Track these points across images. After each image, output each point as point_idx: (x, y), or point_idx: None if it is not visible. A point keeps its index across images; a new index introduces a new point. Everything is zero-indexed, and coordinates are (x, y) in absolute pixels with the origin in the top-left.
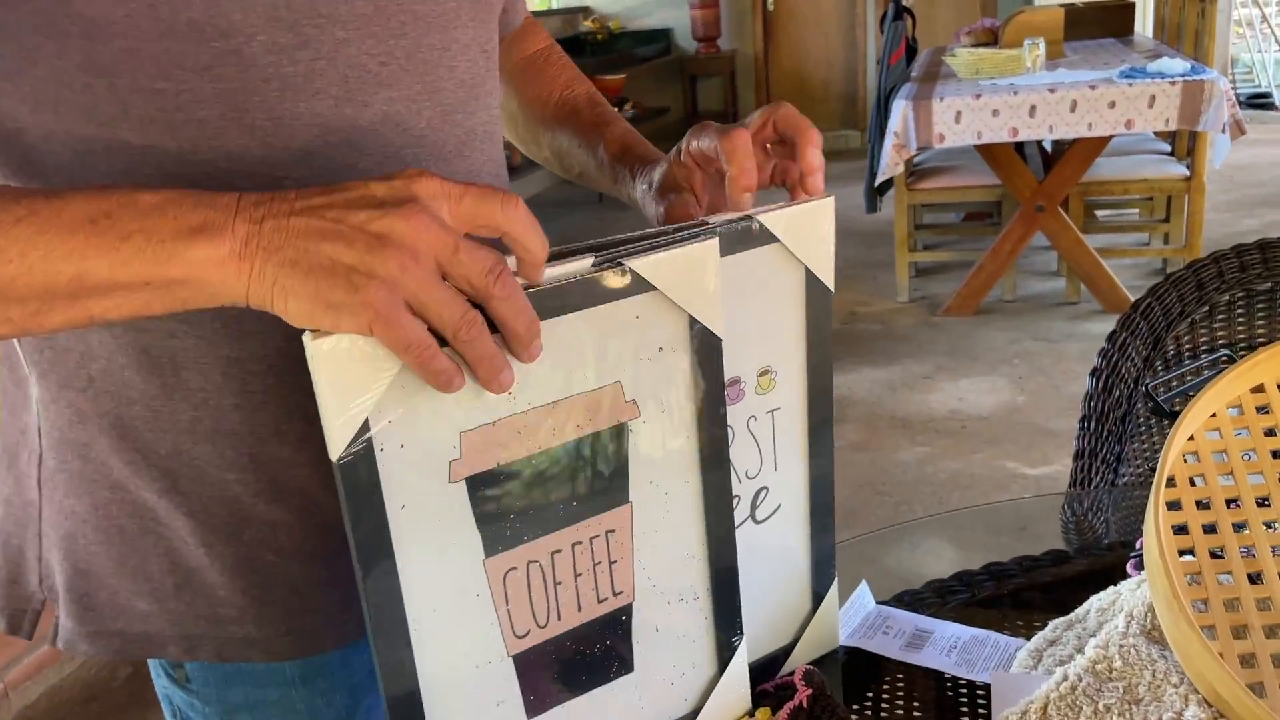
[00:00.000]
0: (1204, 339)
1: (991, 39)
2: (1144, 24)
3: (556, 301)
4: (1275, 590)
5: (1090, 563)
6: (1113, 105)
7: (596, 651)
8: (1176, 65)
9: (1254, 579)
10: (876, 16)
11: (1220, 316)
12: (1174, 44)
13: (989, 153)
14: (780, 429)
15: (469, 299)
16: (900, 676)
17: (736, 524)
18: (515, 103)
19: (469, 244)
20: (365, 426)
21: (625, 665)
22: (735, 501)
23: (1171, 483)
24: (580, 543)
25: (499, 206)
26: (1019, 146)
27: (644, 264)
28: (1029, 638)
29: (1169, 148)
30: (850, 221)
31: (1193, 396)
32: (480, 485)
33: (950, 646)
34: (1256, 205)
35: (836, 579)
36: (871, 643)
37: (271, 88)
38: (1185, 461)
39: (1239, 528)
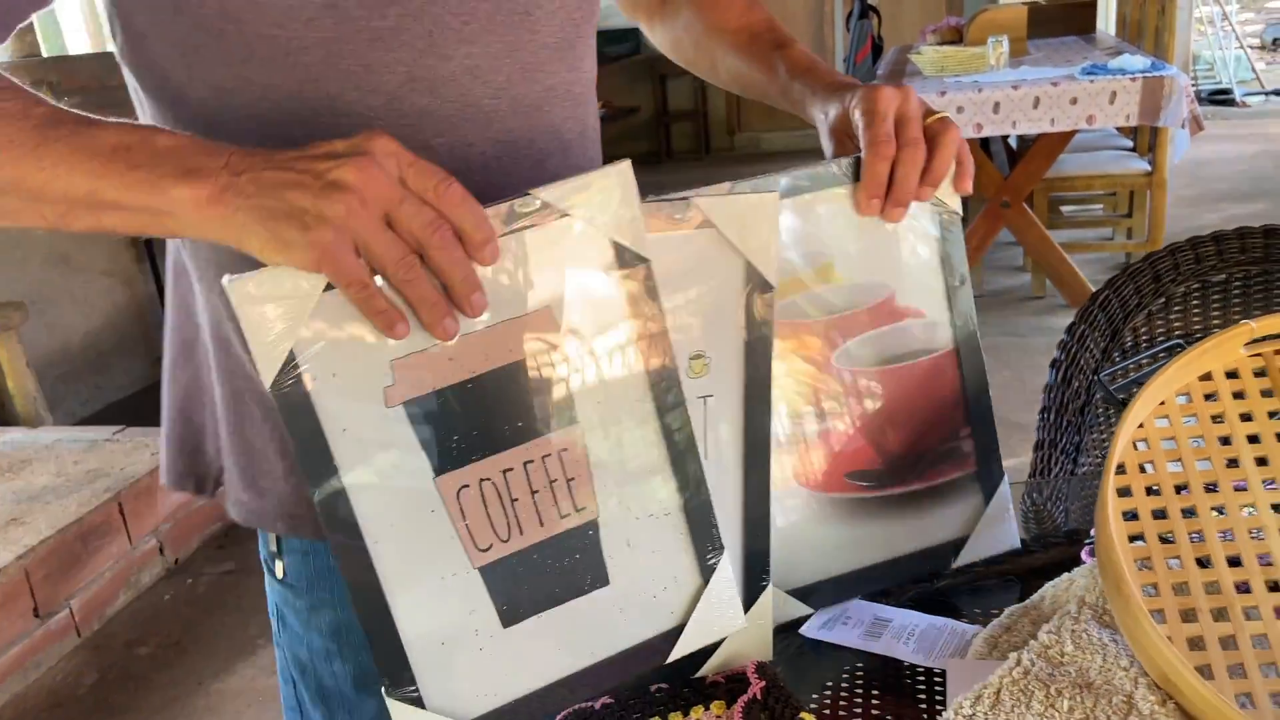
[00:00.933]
0: (1161, 330)
1: (957, 37)
2: (1106, 22)
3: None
4: (1223, 574)
5: (1048, 552)
6: (1074, 101)
7: (566, 564)
8: (1137, 62)
9: (1203, 563)
10: (844, 15)
11: (1176, 308)
12: (1135, 41)
13: None
14: (712, 416)
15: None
16: (860, 666)
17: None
18: (696, 31)
19: (414, 199)
20: (291, 357)
21: (600, 579)
22: None
23: (1122, 470)
24: (532, 461)
25: (434, 185)
26: (985, 143)
27: (551, 192)
28: (986, 625)
29: (1131, 144)
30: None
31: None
32: (419, 409)
33: (908, 634)
34: (1218, 199)
35: (770, 586)
36: (831, 634)
37: (363, 38)
38: (1135, 449)
39: (1188, 513)
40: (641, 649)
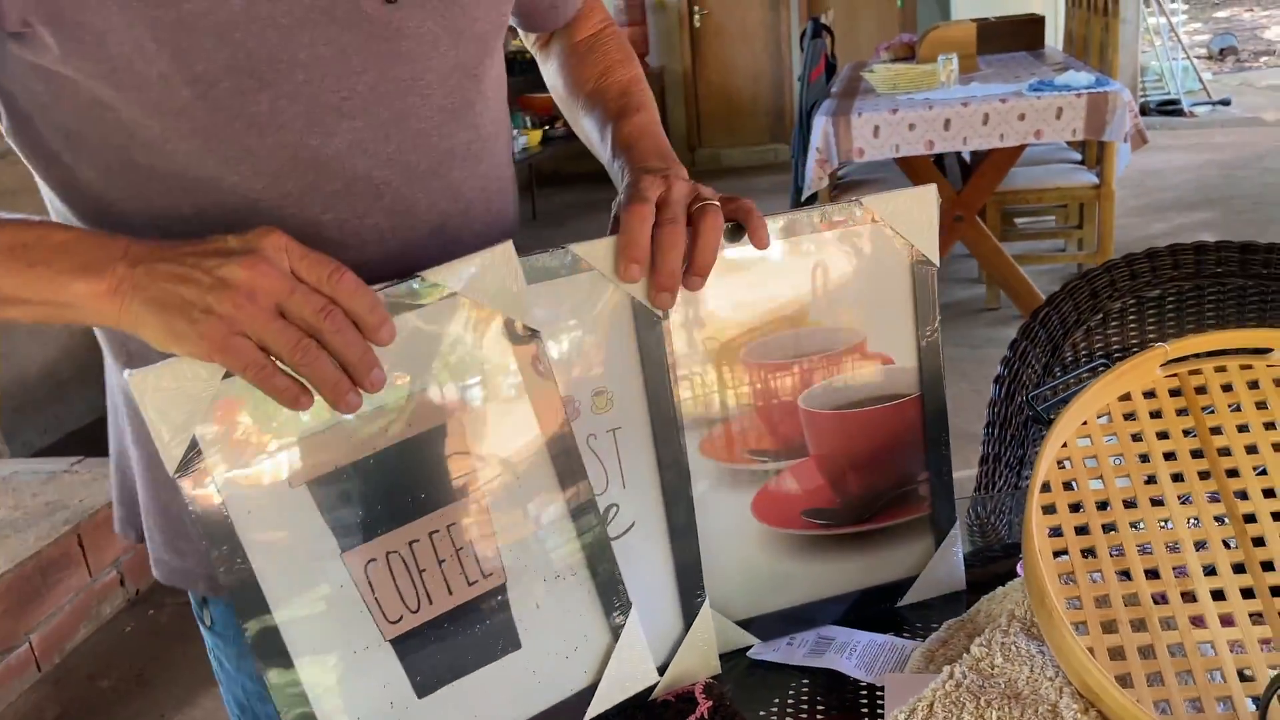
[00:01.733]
0: (1100, 345)
1: (910, 54)
2: (1055, 37)
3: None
4: (1142, 587)
5: (986, 567)
6: (1022, 117)
7: (477, 631)
8: (1081, 78)
9: (1123, 576)
10: (799, 32)
11: (1114, 323)
12: (1081, 56)
13: (908, 165)
14: (624, 447)
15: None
16: (805, 682)
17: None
18: (560, 85)
19: (304, 289)
20: (194, 444)
21: (511, 643)
22: None
23: (1047, 488)
24: (438, 531)
25: (326, 275)
26: (939, 159)
27: (440, 274)
28: (916, 632)
29: (1080, 157)
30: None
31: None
32: (322, 487)
33: (850, 650)
34: (1165, 209)
35: (707, 601)
36: (776, 654)
37: (238, 124)
38: (1059, 467)
39: (1109, 529)
40: (557, 710)
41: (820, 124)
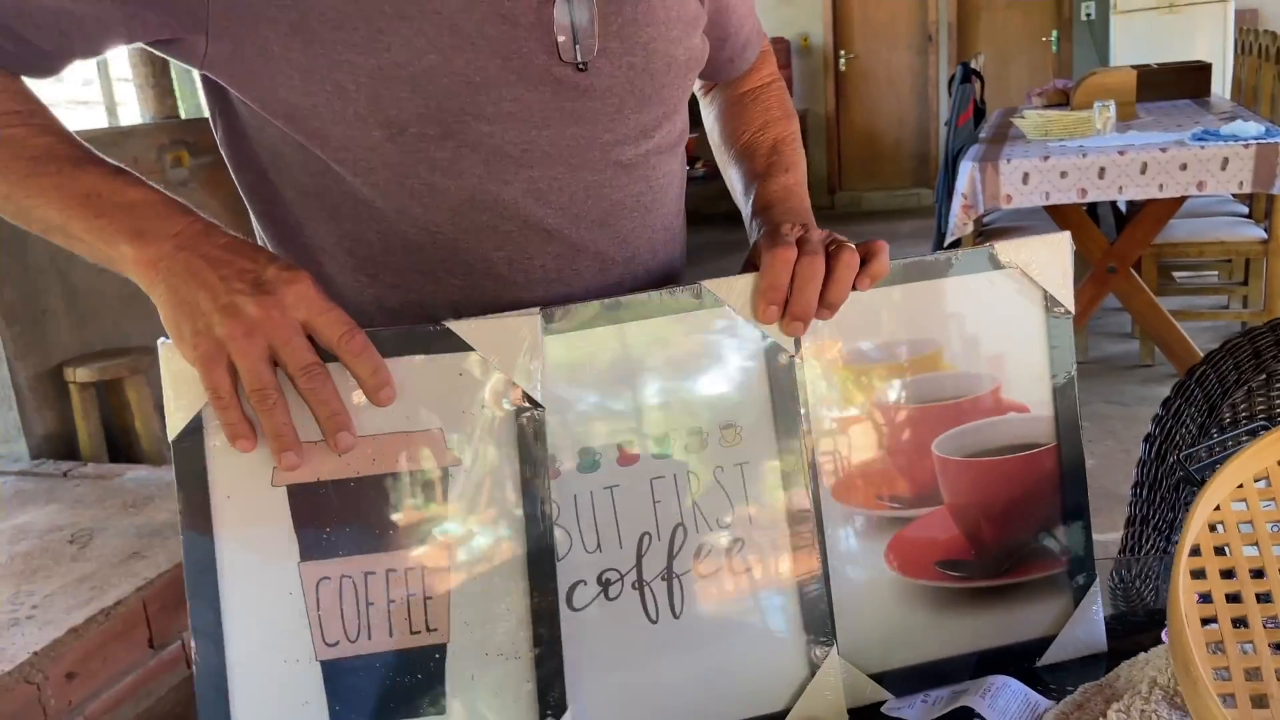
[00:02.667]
0: (1261, 407)
1: (1064, 100)
2: (1222, 85)
3: (389, 344)
4: None
5: (1130, 636)
6: (1184, 167)
7: (406, 682)
8: (1250, 128)
9: (1277, 649)
10: (947, 78)
11: (1278, 385)
12: (1251, 105)
13: (1058, 213)
14: (751, 482)
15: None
16: None
17: (712, 571)
18: (717, 133)
19: (298, 343)
20: (197, 420)
21: (437, 705)
22: (708, 549)
23: (1196, 552)
24: (395, 570)
25: (337, 336)
26: (1092, 207)
27: (465, 325)
28: (1060, 694)
29: (1247, 210)
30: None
31: None
32: (301, 495)
33: (988, 692)
34: None
35: (835, 648)
36: (910, 711)
37: (423, 165)
38: (1211, 531)
39: (1263, 598)
40: None
41: (966, 169)
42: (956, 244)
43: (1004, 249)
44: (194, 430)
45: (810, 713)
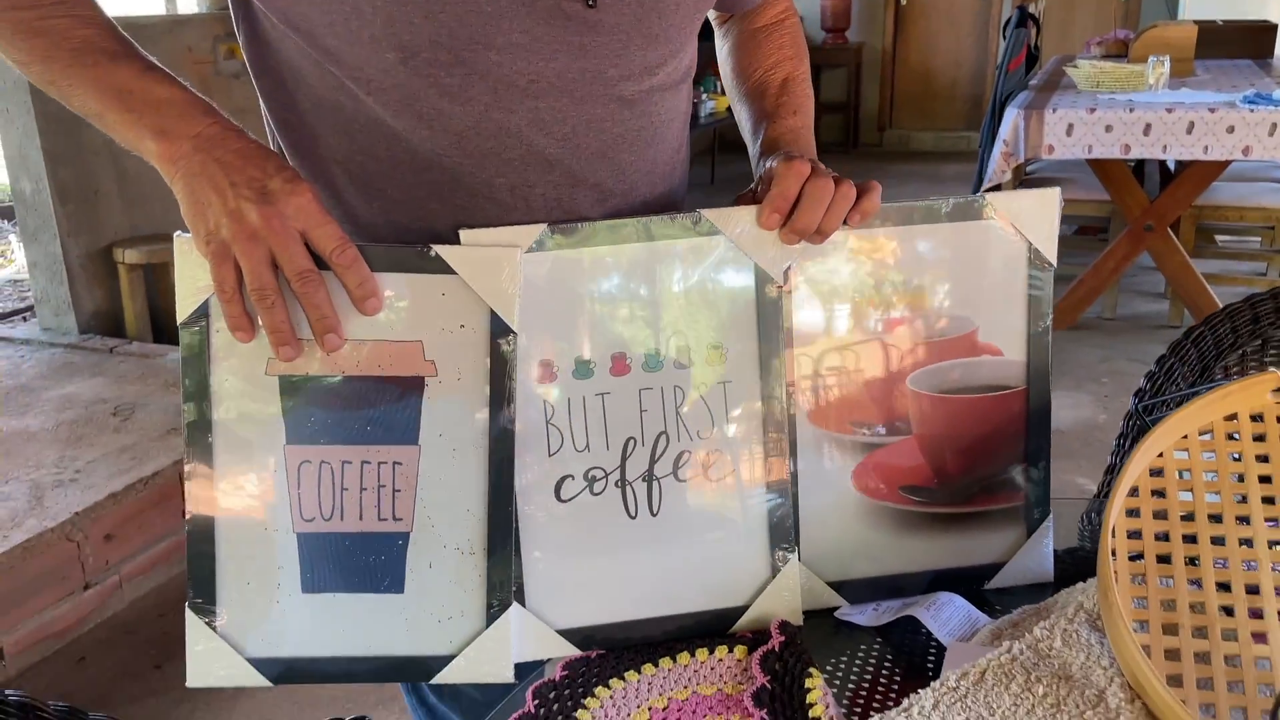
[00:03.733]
0: (1253, 371)
1: (1122, 51)
2: None
3: (379, 260)
4: (1210, 596)
5: (1079, 566)
6: (1231, 130)
7: (370, 560)
8: None
9: (1195, 585)
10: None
11: (1272, 351)
12: None
13: (1101, 168)
14: (732, 400)
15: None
16: (878, 642)
17: (689, 477)
18: (729, 69)
19: (296, 250)
20: (204, 308)
21: (396, 584)
22: (687, 457)
23: (1135, 492)
24: (369, 462)
25: (330, 249)
26: (1140, 164)
27: (451, 251)
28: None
29: None
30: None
31: None
32: (290, 384)
33: (933, 605)
34: None
35: (796, 554)
36: (861, 617)
37: (433, 90)
38: (1151, 475)
39: (1189, 539)
40: (412, 662)
41: (1011, 116)
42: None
43: (995, 200)
44: (200, 316)
45: (769, 609)
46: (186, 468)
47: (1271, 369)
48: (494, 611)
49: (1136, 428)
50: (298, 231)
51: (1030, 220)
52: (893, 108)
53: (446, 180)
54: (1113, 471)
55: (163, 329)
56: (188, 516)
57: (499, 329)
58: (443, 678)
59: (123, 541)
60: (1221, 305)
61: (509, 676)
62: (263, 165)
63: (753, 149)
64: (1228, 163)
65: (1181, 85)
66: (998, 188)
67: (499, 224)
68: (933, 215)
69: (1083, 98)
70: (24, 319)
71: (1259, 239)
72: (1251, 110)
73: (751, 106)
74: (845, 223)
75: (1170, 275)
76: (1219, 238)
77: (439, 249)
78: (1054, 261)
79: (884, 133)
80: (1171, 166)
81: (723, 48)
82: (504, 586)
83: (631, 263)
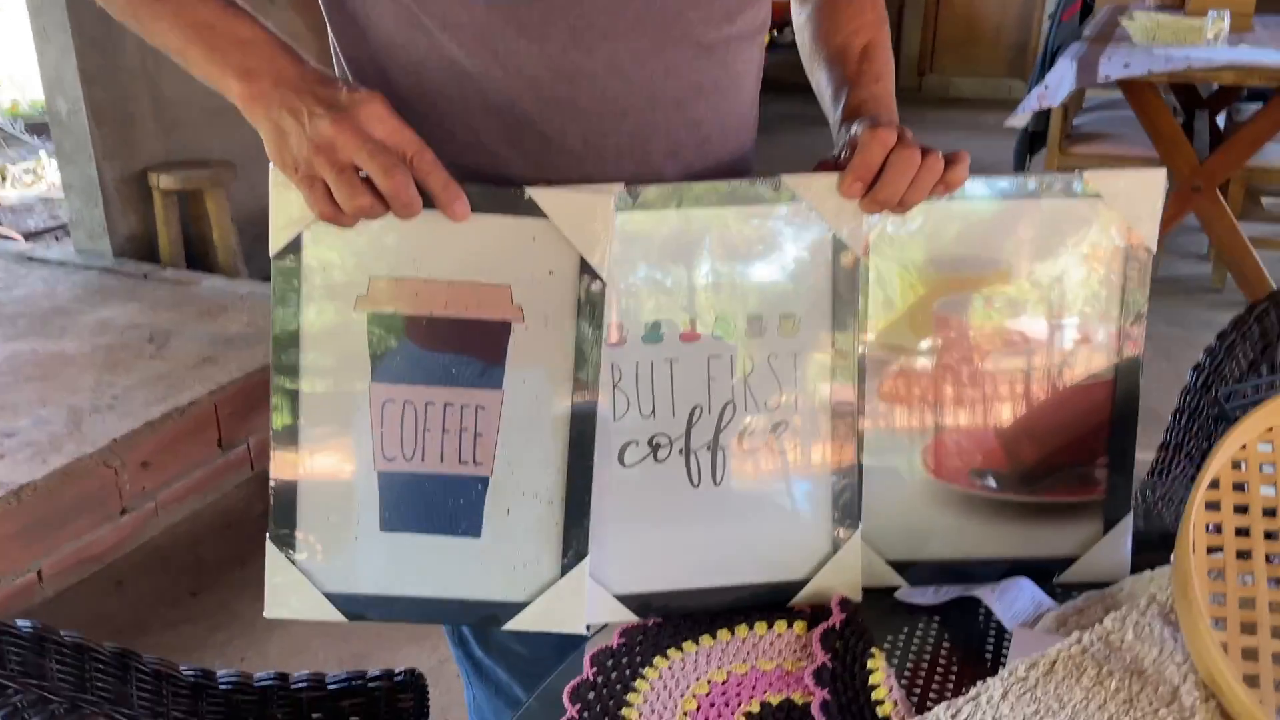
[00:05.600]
0: None
1: (1181, 3)
2: None
3: (476, 198)
4: None
5: (1140, 553)
6: None
7: (449, 504)
8: None
9: (1275, 584)
10: None
11: None
12: None
13: (1152, 125)
14: (802, 371)
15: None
16: (936, 620)
17: (754, 448)
18: (808, 34)
19: (376, 148)
20: (298, 240)
21: (473, 528)
22: (750, 427)
23: (1215, 485)
24: (452, 405)
25: (411, 152)
26: (1188, 120)
27: (544, 194)
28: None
29: None
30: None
31: None
32: (378, 323)
33: (997, 588)
34: None
35: (859, 531)
36: (921, 598)
37: (510, 26)
38: (1234, 468)
39: (1270, 536)
40: (485, 606)
41: (1061, 67)
42: (1041, 143)
43: (1094, 178)
44: (292, 249)
45: (828, 585)
46: (274, 399)
47: None
48: (568, 562)
49: (1203, 410)
50: (374, 138)
51: (1131, 202)
52: (934, 52)
53: (518, 126)
54: (1167, 448)
55: (195, 257)
56: (272, 447)
57: (589, 276)
58: (514, 624)
59: (159, 469)
60: (1264, 271)
61: (581, 628)
62: (333, 84)
63: (833, 116)
64: None
65: (1240, 41)
66: (1042, 141)
67: (570, 173)
68: (1024, 189)
69: (1138, 51)
70: (55, 238)
71: None
72: None
73: (832, 72)
74: (932, 194)
75: (1216, 239)
76: (1265, 200)
77: (532, 191)
78: (1153, 248)
79: (924, 78)
80: (1220, 126)
81: (801, 12)
82: (580, 538)
83: (706, 227)
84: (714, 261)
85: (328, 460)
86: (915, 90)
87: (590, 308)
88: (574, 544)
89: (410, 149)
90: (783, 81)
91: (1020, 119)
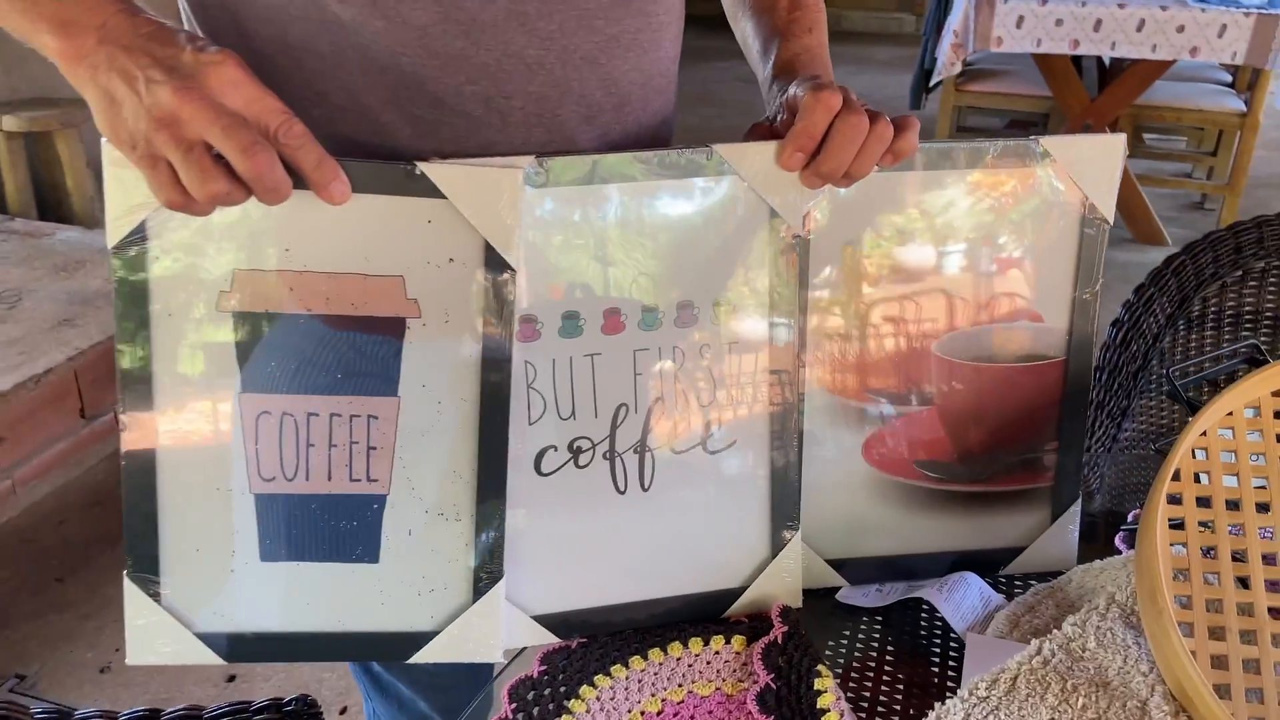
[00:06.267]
0: (1231, 303)
1: None
2: None
3: (359, 176)
4: (1259, 597)
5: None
6: (1181, 30)
7: (341, 526)
8: None
9: (1242, 583)
10: None
11: (1252, 283)
12: None
13: (1045, 63)
14: (736, 364)
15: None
16: (879, 623)
17: (685, 448)
18: None
19: (236, 125)
20: (141, 228)
21: (370, 553)
22: (683, 427)
23: (1177, 476)
24: (339, 415)
25: (276, 124)
26: (1077, 59)
27: (440, 170)
28: (1009, 592)
29: (1230, 78)
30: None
31: (1210, 383)
32: (246, 323)
33: (944, 585)
34: None
35: (799, 533)
36: (865, 599)
37: None
38: (1193, 457)
39: (1235, 530)
40: (388, 638)
41: (962, 5)
42: (924, 78)
43: (1050, 145)
44: (136, 239)
45: (767, 592)
46: (122, 417)
47: None
48: (483, 585)
49: (1123, 367)
50: (227, 109)
51: (1087, 170)
52: None
53: (405, 86)
54: (1099, 408)
55: (47, 206)
56: (123, 474)
57: (495, 265)
58: (422, 657)
59: (14, 444)
60: (1150, 208)
61: (498, 656)
62: (174, 40)
63: (763, 72)
64: (1172, 62)
65: None
66: (940, 84)
67: (468, 142)
68: (978, 159)
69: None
70: None
71: (1184, 139)
72: (1204, 9)
73: (759, 22)
74: (879, 165)
75: None
76: (1146, 137)
77: (425, 167)
78: (1110, 219)
79: None
80: (1107, 63)
81: None
82: (494, 557)
83: (629, 204)
84: (638, 244)
85: (193, 485)
86: None
87: (498, 300)
88: (488, 564)
89: (274, 120)
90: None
91: (947, 73)
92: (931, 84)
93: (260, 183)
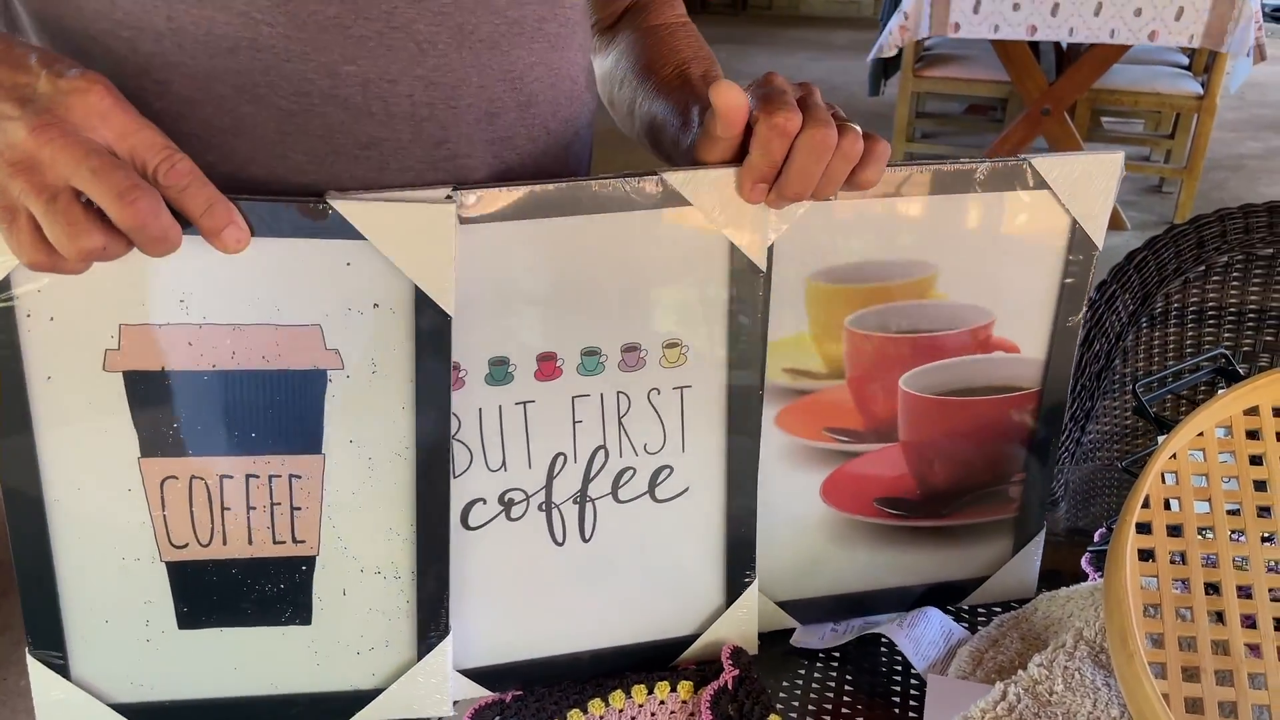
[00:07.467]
0: (1194, 299)
1: None
2: None
3: (262, 217)
4: (1234, 634)
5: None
6: (1139, 13)
7: (267, 590)
8: None
9: (1216, 619)
10: None
11: (1215, 278)
12: None
13: (1003, 48)
14: (691, 408)
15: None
16: (834, 668)
17: (631, 497)
18: (632, 64)
19: (108, 167)
20: (6, 284)
21: (301, 616)
22: (629, 475)
23: (1146, 503)
24: (257, 476)
25: (156, 162)
26: (1034, 44)
27: (355, 206)
28: (971, 622)
29: (1187, 61)
30: (852, 99)
31: (1179, 397)
32: (141, 383)
33: (904, 621)
34: (1262, 128)
35: (756, 581)
36: (820, 642)
37: None
38: (1163, 481)
39: (1208, 560)
40: (327, 699)
41: None
42: (895, 67)
43: (1041, 165)
44: (3, 297)
45: (722, 637)
46: (4, 489)
47: None
48: (431, 640)
49: (1086, 368)
50: (97, 145)
51: (1079, 191)
52: None
53: (263, 67)
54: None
55: None
56: (13, 550)
57: (428, 310)
58: (366, 715)
59: None
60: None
61: (447, 710)
62: (26, 65)
63: (685, 138)
64: (1129, 46)
65: None
66: (896, 65)
67: (345, 137)
68: (964, 183)
69: None
70: None
71: (1142, 122)
72: None
73: (671, 99)
74: (846, 185)
75: None
76: (1105, 120)
77: (340, 205)
78: (1100, 245)
79: None
80: (1064, 46)
81: (614, 51)
82: (441, 612)
83: (564, 238)
84: (576, 282)
85: (92, 556)
86: (765, 8)
87: (432, 347)
88: (434, 619)
89: (153, 157)
90: None
91: (887, 52)
92: (874, 58)
93: (143, 233)
